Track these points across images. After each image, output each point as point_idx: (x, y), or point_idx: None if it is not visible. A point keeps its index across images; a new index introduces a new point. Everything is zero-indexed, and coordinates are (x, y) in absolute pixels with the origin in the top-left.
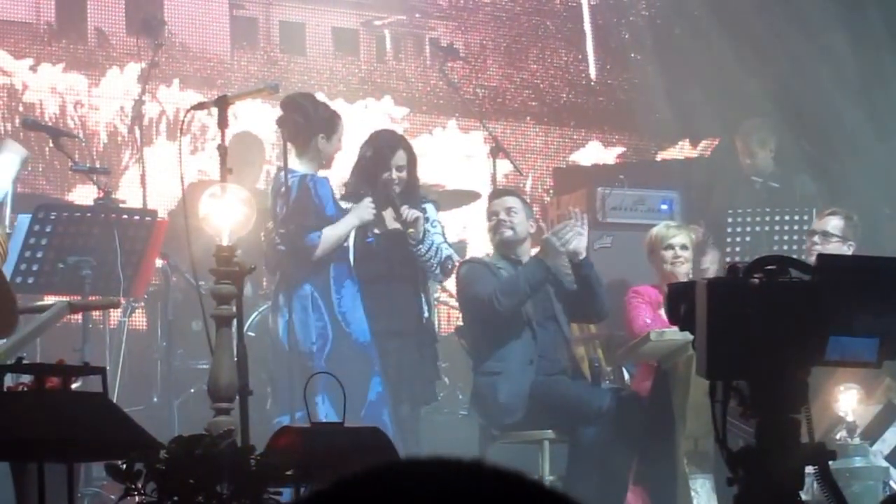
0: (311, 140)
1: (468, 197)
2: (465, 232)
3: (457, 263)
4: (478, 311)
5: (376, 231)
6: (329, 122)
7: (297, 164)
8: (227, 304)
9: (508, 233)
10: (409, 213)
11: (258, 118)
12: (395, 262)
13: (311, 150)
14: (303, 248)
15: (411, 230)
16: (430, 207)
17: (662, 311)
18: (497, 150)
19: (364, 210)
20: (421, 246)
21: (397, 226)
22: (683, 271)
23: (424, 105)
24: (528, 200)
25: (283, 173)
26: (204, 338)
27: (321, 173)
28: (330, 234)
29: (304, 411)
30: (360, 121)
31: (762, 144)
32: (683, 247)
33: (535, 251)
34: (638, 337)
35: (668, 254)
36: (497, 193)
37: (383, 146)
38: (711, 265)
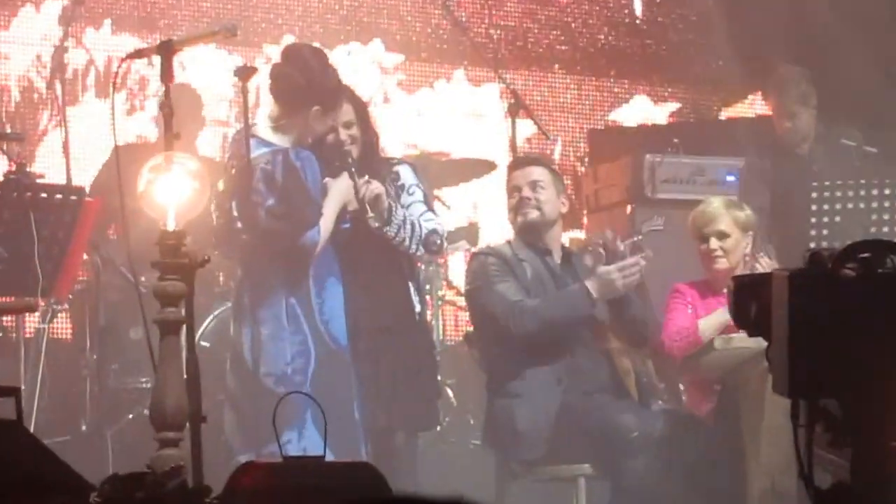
0: (304, 109)
1: (480, 167)
2: (476, 213)
3: (443, 235)
4: (492, 327)
5: (349, 210)
6: (333, 95)
7: (267, 133)
8: (174, 307)
9: (534, 213)
10: (366, 189)
11: (211, 68)
12: (374, 246)
13: (299, 120)
14: (295, 247)
15: (370, 215)
16: (403, 171)
17: (706, 319)
18: (517, 108)
19: (346, 189)
20: (388, 228)
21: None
22: (723, 269)
23: (424, 51)
24: (558, 171)
25: (249, 142)
26: (145, 349)
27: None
28: (326, 227)
29: (275, 444)
30: (342, 71)
31: (804, 101)
32: (722, 235)
33: (567, 237)
34: (666, 346)
35: (703, 247)
36: (518, 163)
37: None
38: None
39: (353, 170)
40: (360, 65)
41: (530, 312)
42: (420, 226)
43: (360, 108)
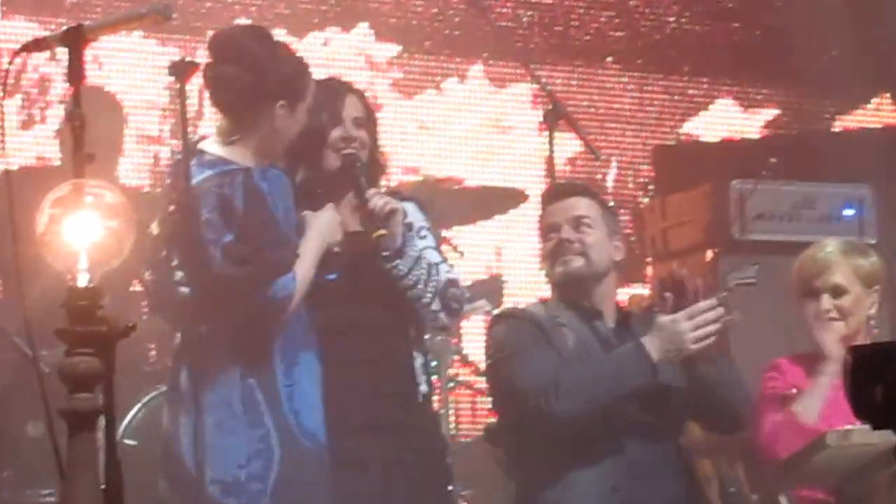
0: (264, 112)
1: (505, 200)
2: (499, 262)
3: (465, 295)
4: (519, 409)
5: (336, 249)
6: (295, 82)
7: (219, 149)
8: (87, 392)
9: (577, 262)
10: (379, 200)
11: (137, 65)
12: (369, 302)
13: (260, 128)
14: (261, 303)
15: (381, 232)
16: (410, 209)
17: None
18: (556, 117)
19: (328, 224)
20: (400, 262)
21: (361, 228)
22: (838, 336)
23: (428, 38)
24: (612, 204)
25: (188, 163)
26: (48, 449)
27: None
28: (304, 275)
29: None
30: (317, 65)
31: None
32: (838, 291)
33: (624, 294)
34: (761, 443)
35: (811, 306)
36: (557, 193)
37: (325, 93)
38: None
39: (362, 179)
40: (341, 58)
41: (569, 389)
42: (438, 271)
43: (370, 113)
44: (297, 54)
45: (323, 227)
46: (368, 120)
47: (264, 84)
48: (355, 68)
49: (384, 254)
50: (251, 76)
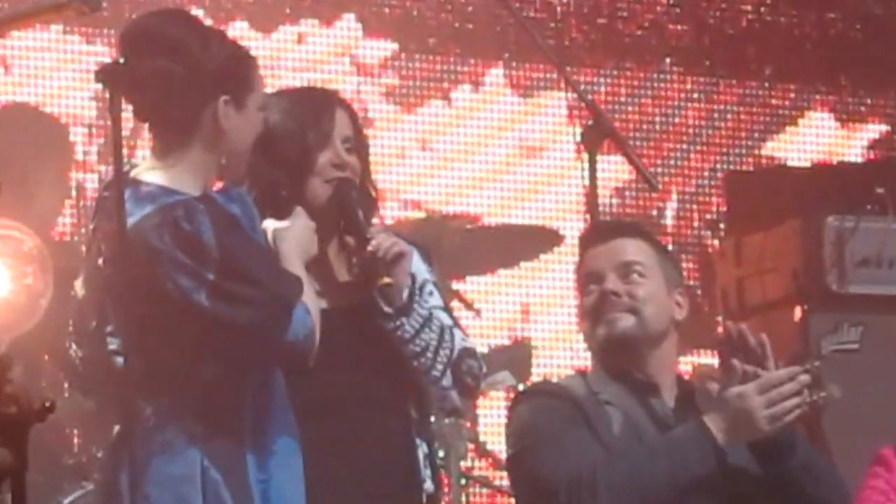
0: (203, 112)
1: (532, 241)
2: (526, 322)
3: (482, 369)
4: None
5: (324, 305)
6: (238, 68)
7: (160, 176)
8: None
9: (626, 321)
10: (385, 239)
11: (55, 68)
12: (357, 368)
13: (203, 136)
14: (283, 351)
15: (387, 280)
16: (414, 257)
17: None
18: (598, 134)
19: (303, 234)
20: (405, 322)
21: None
22: None
23: (432, 34)
24: (671, 247)
25: (122, 197)
26: None
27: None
28: (313, 304)
29: None
30: (290, 69)
31: None
32: None
33: (688, 363)
34: None
35: None
36: (600, 233)
37: (308, 106)
38: None
39: (360, 212)
40: (319, 59)
41: (612, 485)
42: (451, 337)
43: (359, 128)
44: (259, 53)
45: (299, 238)
46: (358, 141)
47: (199, 75)
48: (338, 73)
49: (386, 310)
50: (181, 67)
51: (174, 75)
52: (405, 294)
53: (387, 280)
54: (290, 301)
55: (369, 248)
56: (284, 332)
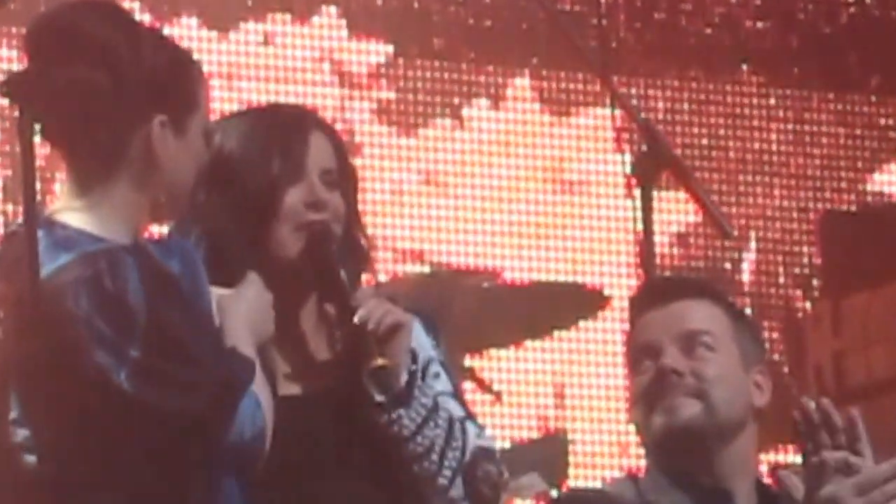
0: (132, 136)
1: (569, 303)
2: (561, 410)
3: (504, 475)
4: None
5: (296, 390)
6: (178, 80)
7: (80, 218)
8: None
9: (690, 408)
10: (376, 308)
11: None
12: (340, 474)
13: (131, 166)
14: (228, 451)
15: (381, 362)
16: (416, 328)
17: None
18: (655, 164)
19: (255, 307)
20: (403, 415)
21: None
22: None
23: (439, 33)
24: (750, 311)
25: (34, 242)
26: None
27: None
28: (267, 398)
29: None
30: (257, 78)
31: None
32: None
33: (771, 461)
34: None
35: None
36: (657, 293)
37: (274, 128)
38: None
39: (342, 271)
40: (292, 65)
41: None
42: (465, 432)
43: (344, 156)
44: (213, 59)
45: (249, 312)
46: (343, 174)
47: (128, 88)
48: (317, 84)
49: (378, 400)
50: (105, 77)
51: (96, 88)
52: (403, 378)
53: (379, 361)
54: (237, 389)
55: (356, 318)
56: (226, 429)
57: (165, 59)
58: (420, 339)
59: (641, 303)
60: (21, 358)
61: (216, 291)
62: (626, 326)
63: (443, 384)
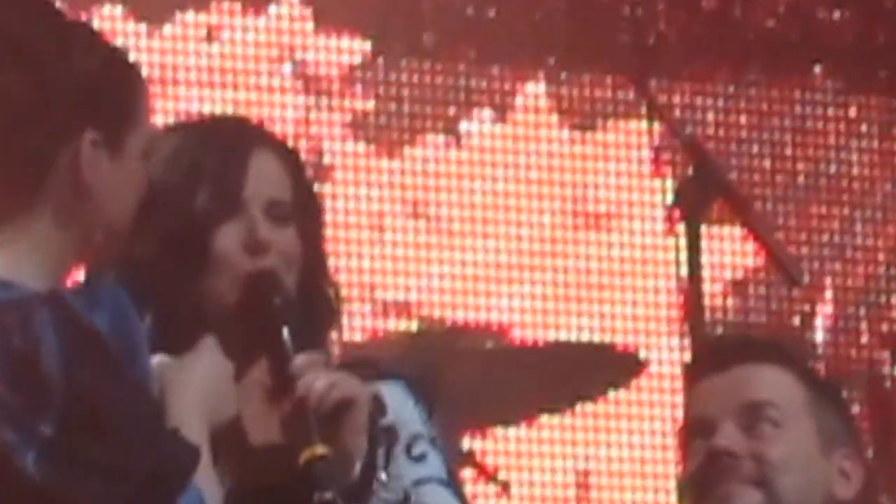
0: (53, 160)
1: (598, 367)
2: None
3: None
4: None
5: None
6: (114, 95)
7: None
8: None
9: (748, 499)
10: (318, 379)
11: None
12: None
13: (52, 196)
14: None
15: (317, 451)
16: (393, 395)
17: None
18: (703, 192)
19: (211, 380)
20: None
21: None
22: None
23: (431, 26)
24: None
25: None
26: None
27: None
28: (211, 491)
29: None
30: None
31: None
32: None
33: None
34: None
35: None
36: (711, 357)
37: (208, 147)
38: None
39: (283, 332)
40: (244, 66)
41: None
42: None
43: (302, 182)
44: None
45: (202, 387)
46: (301, 204)
47: (53, 97)
48: (275, 91)
49: (324, 498)
50: (23, 84)
51: (13, 97)
52: (356, 469)
53: (318, 450)
54: (175, 482)
55: (295, 390)
56: None
57: (98, 61)
58: (403, 411)
59: (695, 369)
60: None
61: (160, 359)
62: (666, 398)
63: (430, 468)
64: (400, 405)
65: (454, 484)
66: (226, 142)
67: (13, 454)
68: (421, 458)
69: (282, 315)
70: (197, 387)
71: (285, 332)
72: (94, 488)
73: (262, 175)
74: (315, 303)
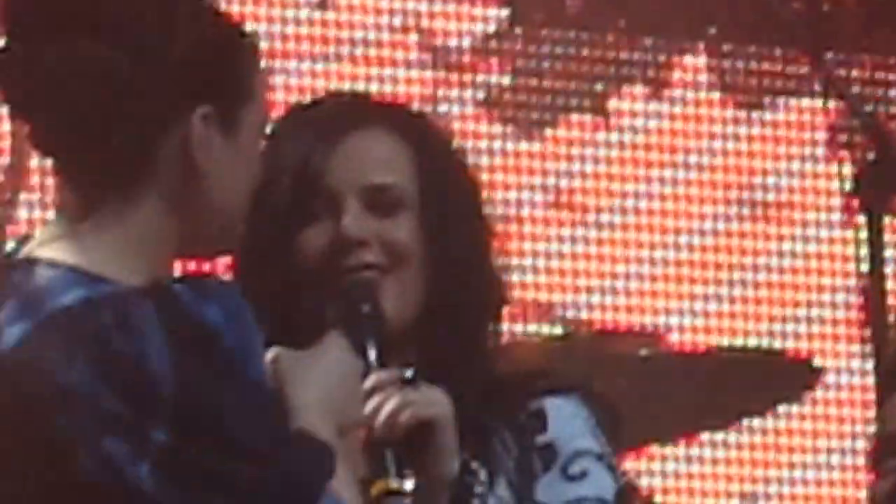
0: (158, 141)
1: (767, 377)
2: None
3: None
4: None
5: None
6: (227, 67)
7: (71, 252)
8: None
9: None
10: (381, 403)
11: None
12: None
13: (156, 180)
14: None
15: (394, 485)
16: (561, 406)
17: None
18: (889, 181)
19: (338, 376)
20: None
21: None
22: None
23: None
24: None
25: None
26: None
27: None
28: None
29: None
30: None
31: None
32: None
33: None
34: None
35: None
36: None
37: (301, 130)
38: None
39: (369, 343)
40: (361, 39)
41: None
42: None
43: (424, 153)
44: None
45: (329, 384)
46: (425, 189)
47: (156, 70)
48: (398, 64)
49: None
50: (125, 56)
51: (112, 72)
52: (444, 498)
53: (390, 484)
54: (311, 491)
55: (366, 411)
56: None
57: (205, 29)
58: (568, 426)
59: (889, 379)
60: None
61: (284, 356)
62: (846, 411)
63: (589, 487)
64: (565, 421)
65: (624, 501)
66: (318, 125)
67: (124, 467)
68: (579, 477)
69: (368, 325)
70: (323, 383)
71: (369, 343)
72: (216, 501)
73: (358, 159)
74: (451, 304)
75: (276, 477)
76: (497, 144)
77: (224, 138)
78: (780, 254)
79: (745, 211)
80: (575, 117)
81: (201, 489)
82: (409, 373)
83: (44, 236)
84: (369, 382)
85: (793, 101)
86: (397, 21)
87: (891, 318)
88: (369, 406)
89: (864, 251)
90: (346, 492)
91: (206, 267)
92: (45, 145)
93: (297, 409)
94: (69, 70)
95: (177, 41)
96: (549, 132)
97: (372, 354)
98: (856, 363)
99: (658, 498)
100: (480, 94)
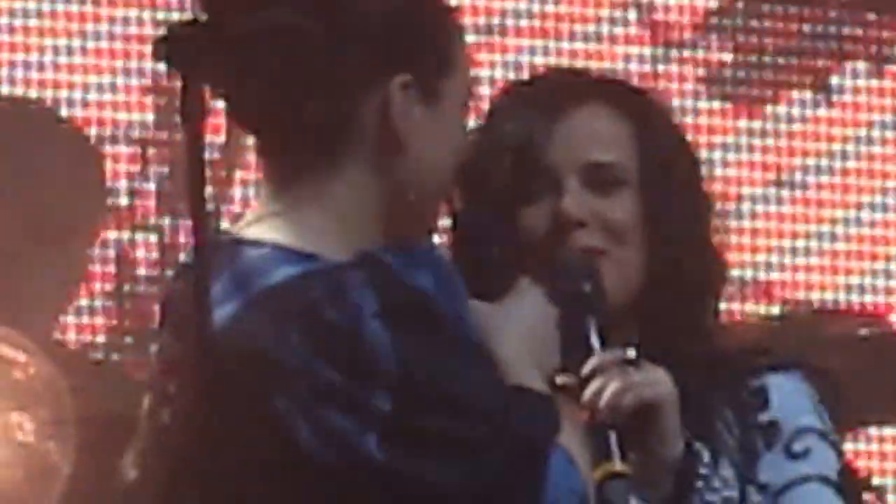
0: (357, 111)
1: None
2: None
3: None
4: None
5: None
6: (427, 36)
7: (279, 230)
8: None
9: None
10: (601, 387)
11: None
12: None
13: (355, 153)
14: None
15: (620, 467)
16: (784, 384)
17: None
18: None
19: (536, 324)
20: None
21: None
22: None
23: None
24: None
25: (220, 273)
26: None
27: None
28: (579, 452)
29: None
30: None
31: None
32: None
33: None
34: None
35: None
36: None
37: (522, 108)
38: None
39: (590, 323)
40: (579, 14)
41: None
42: None
43: (646, 128)
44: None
45: (527, 333)
46: (647, 165)
47: (352, 37)
48: (616, 41)
49: None
50: (319, 24)
51: (309, 40)
52: (668, 481)
53: (615, 467)
54: (543, 446)
55: (584, 396)
56: None
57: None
58: (791, 404)
59: None
60: (200, 442)
61: (480, 308)
62: None
63: (813, 465)
64: (787, 398)
65: (844, 483)
66: (537, 102)
67: (352, 440)
68: (803, 455)
69: (589, 304)
70: (523, 332)
71: (591, 323)
72: (451, 469)
73: (578, 136)
74: (673, 282)
75: (507, 434)
76: (717, 121)
77: (425, 109)
78: None
79: None
80: (795, 94)
81: (432, 454)
82: (631, 352)
83: (250, 217)
84: (591, 364)
85: None
86: None
87: None
88: (591, 388)
89: None
90: (570, 440)
91: None
92: (243, 119)
93: (507, 364)
94: (264, 40)
95: (372, 8)
96: (769, 109)
97: (593, 335)
98: None
99: (876, 479)
100: (701, 71)
